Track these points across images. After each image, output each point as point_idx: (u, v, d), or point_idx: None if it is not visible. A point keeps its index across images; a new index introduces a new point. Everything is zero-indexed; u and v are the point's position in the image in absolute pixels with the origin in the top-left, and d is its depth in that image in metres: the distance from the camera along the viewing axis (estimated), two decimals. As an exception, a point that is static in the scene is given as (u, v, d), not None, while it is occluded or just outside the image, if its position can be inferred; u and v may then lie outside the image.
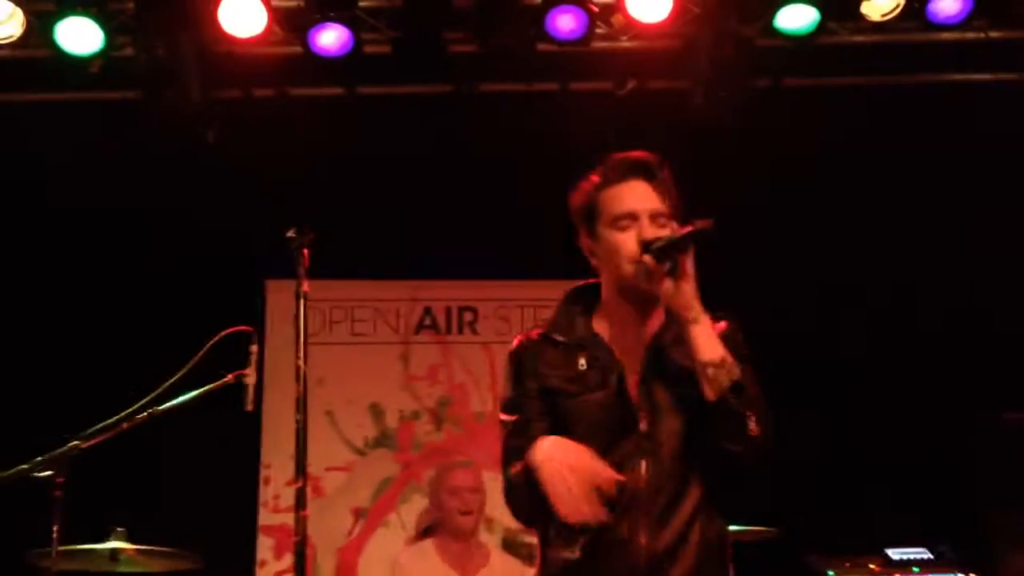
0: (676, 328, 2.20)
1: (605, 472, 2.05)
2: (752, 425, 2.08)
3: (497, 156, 4.98)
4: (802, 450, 4.87)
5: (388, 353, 5.25)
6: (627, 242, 2.19)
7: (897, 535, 4.39)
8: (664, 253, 2.13)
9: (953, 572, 4.15)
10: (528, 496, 2.11)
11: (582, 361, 2.22)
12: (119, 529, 3.32)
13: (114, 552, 3.27)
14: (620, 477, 2.07)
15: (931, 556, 4.29)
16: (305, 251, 2.66)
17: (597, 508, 2.01)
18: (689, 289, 2.13)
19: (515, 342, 2.32)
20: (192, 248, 4.94)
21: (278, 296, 4.99)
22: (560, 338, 2.26)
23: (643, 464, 2.14)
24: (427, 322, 5.32)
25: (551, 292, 5.15)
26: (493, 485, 4.31)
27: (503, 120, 4.92)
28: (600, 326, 2.28)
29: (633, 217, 2.20)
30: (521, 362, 2.28)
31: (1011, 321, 4.91)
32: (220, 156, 4.80)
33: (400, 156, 5.00)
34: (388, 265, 5.23)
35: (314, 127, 4.80)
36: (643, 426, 2.17)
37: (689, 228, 2.13)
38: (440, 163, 5.05)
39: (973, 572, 4.13)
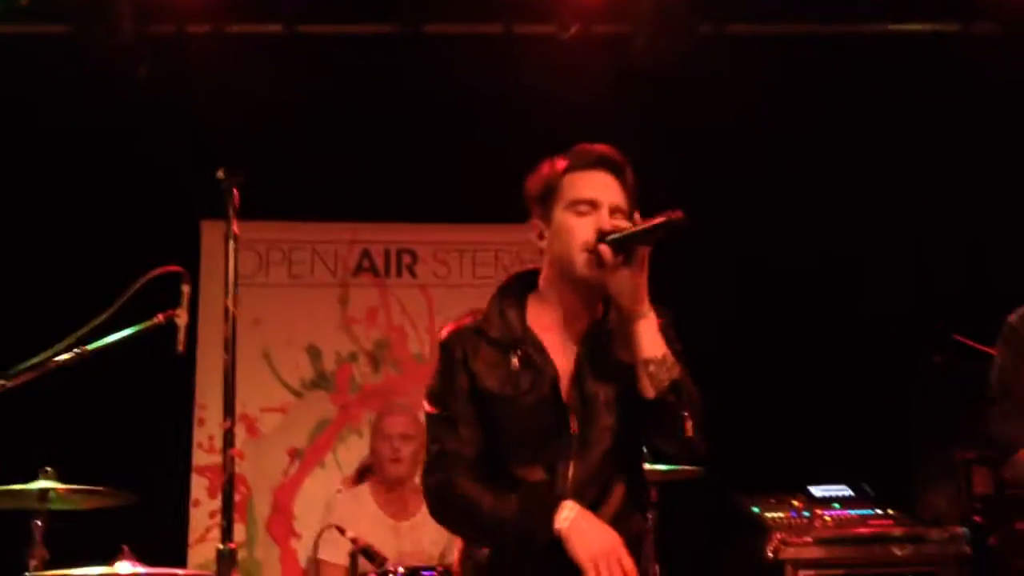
0: (613, 322, 2.18)
1: (628, 563, 2.05)
2: (688, 426, 2.07)
3: (439, 98, 4.95)
4: (730, 391, 5.00)
5: (326, 295, 5.22)
6: (583, 228, 2.14)
7: (820, 474, 4.55)
8: (623, 244, 2.08)
9: (872, 508, 4.31)
10: (489, 532, 2.15)
11: (515, 361, 2.17)
12: (48, 469, 3.30)
13: (43, 492, 3.25)
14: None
15: (851, 493, 4.45)
16: (236, 192, 2.63)
17: None
18: (643, 283, 2.09)
19: (445, 332, 2.26)
20: (131, 186, 4.85)
21: (213, 236, 4.94)
22: (494, 335, 2.20)
23: (571, 466, 2.13)
24: (365, 264, 5.30)
25: (490, 236, 5.28)
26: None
27: (446, 62, 4.89)
28: (534, 320, 2.22)
29: (594, 205, 2.17)
30: (452, 355, 2.21)
31: (946, 270, 5.03)
32: (155, 93, 4.71)
33: (340, 96, 4.94)
34: (326, 206, 5.19)
35: (252, 65, 4.72)
36: (574, 427, 2.15)
37: (659, 219, 2.06)
38: (381, 104, 5.00)
39: (891, 509, 4.30)
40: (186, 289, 2.81)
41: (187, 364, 4.76)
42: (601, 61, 4.82)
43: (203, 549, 4.73)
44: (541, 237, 2.25)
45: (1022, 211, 4.78)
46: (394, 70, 4.93)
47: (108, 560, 3.16)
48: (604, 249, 2.09)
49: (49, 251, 4.86)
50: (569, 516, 2.07)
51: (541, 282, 2.25)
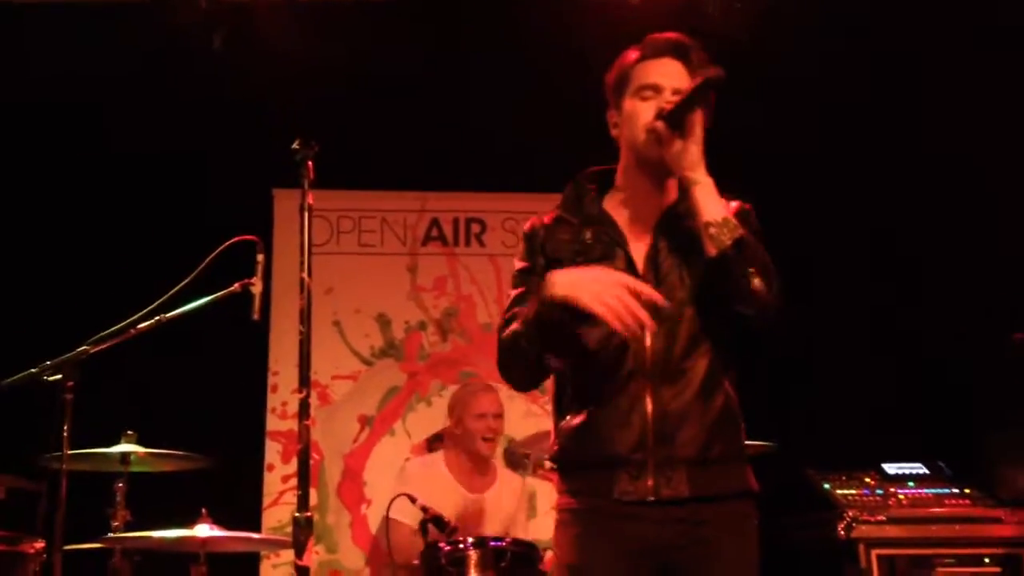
0: (685, 205, 2.25)
1: (634, 285, 2.07)
2: (756, 281, 2.11)
3: (508, 66, 4.91)
4: (804, 367, 4.92)
5: (395, 264, 5.26)
6: (645, 110, 2.25)
7: (894, 452, 4.45)
8: (675, 116, 2.17)
9: (947, 487, 4.20)
10: (529, 346, 2.17)
11: (588, 235, 2.28)
12: (129, 432, 3.39)
13: (125, 455, 3.34)
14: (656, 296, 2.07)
15: (926, 471, 4.35)
16: (310, 163, 2.65)
17: (642, 313, 2.02)
18: (695, 150, 2.19)
19: (528, 224, 2.39)
20: (205, 155, 4.92)
21: (285, 205, 5.01)
22: (569, 216, 2.33)
23: (647, 337, 2.17)
24: (434, 233, 5.32)
25: (559, 205, 5.19)
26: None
27: (514, 28, 4.84)
28: (611, 205, 2.33)
29: (656, 89, 2.25)
30: (531, 240, 2.34)
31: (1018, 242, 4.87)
32: (229, 63, 4.75)
33: (411, 64, 4.93)
34: (396, 175, 5.21)
35: (324, 34, 4.73)
36: None
37: (698, 80, 2.15)
38: (451, 72, 4.98)
39: (968, 488, 4.19)
40: (260, 258, 2.87)
41: (261, 331, 4.83)
42: (672, 25, 4.70)
43: (276, 512, 4.84)
44: (615, 126, 2.35)
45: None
46: (464, 37, 4.90)
47: (188, 523, 3.24)
48: (659, 125, 2.20)
49: (129, 222, 4.96)
50: (554, 279, 2.12)
51: (619, 173, 2.35)
